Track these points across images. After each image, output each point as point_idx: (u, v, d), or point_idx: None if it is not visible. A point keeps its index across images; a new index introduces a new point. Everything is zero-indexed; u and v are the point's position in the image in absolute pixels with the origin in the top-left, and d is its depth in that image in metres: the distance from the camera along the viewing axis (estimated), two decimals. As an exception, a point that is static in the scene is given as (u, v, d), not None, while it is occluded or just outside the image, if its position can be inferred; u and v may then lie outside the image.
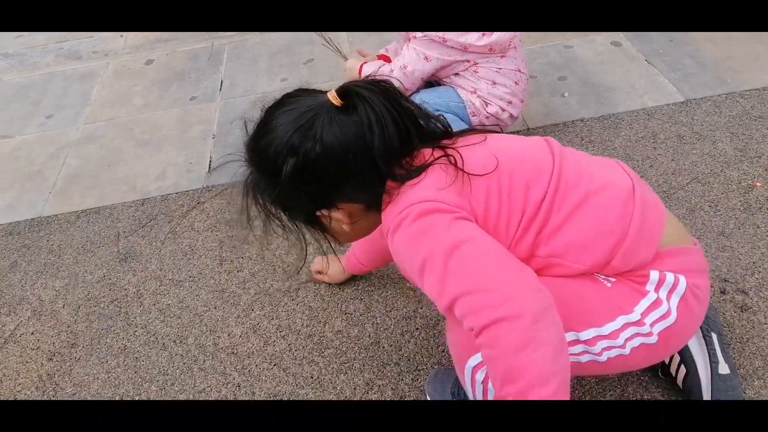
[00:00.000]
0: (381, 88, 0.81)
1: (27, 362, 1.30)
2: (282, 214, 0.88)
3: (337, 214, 0.86)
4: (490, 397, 0.86)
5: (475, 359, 0.83)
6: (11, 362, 1.30)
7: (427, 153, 0.84)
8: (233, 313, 1.33)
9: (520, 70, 1.58)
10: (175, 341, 1.28)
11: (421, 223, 0.77)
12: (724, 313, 1.17)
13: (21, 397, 1.23)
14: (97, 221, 1.66)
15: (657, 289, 0.83)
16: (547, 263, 0.83)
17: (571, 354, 0.80)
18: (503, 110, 1.59)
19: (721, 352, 0.99)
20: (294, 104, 0.82)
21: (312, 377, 1.17)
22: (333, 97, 0.79)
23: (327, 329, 1.25)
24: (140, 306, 1.38)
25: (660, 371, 1.06)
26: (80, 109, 2.18)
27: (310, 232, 0.92)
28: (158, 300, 1.38)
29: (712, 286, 1.22)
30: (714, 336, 1.01)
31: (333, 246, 0.95)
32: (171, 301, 1.37)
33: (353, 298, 1.31)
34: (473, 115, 1.58)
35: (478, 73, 1.54)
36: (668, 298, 0.83)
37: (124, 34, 2.65)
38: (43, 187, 1.82)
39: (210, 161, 1.82)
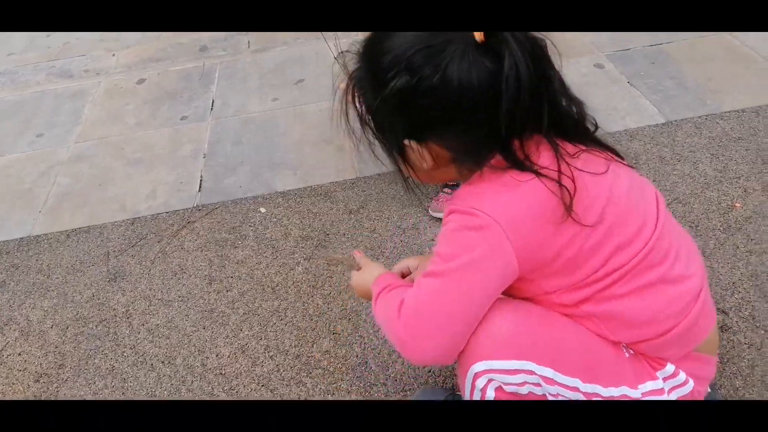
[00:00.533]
0: (534, 44, 0.72)
1: (13, 384, 1.30)
2: (371, 122, 0.81)
3: (425, 150, 0.78)
4: None
5: (479, 366, 0.81)
6: (-2, 383, 1.31)
7: (546, 152, 0.76)
8: (222, 333, 1.34)
9: None
10: (163, 362, 1.29)
11: (466, 235, 0.75)
12: (703, 333, 1.20)
13: (8, 418, 1.23)
14: (87, 240, 1.66)
15: (666, 380, 0.84)
16: (585, 317, 0.82)
17: (567, 397, 0.81)
18: None
19: None
20: (431, 33, 0.73)
21: (299, 398, 1.18)
22: (478, 36, 0.70)
23: (315, 349, 1.27)
24: (129, 326, 1.39)
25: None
26: (71, 127, 2.19)
27: (389, 154, 0.83)
28: (147, 320, 1.39)
29: (692, 306, 1.25)
30: None
31: (408, 180, 0.87)
32: (160, 321, 1.38)
33: (341, 317, 1.33)
34: None
35: None
36: (670, 392, 0.84)
37: (116, 53, 2.68)
38: (33, 206, 1.83)
39: (201, 180, 1.83)
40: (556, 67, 0.75)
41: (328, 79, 2.23)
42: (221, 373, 1.25)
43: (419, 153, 0.79)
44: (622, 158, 0.86)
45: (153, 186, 1.84)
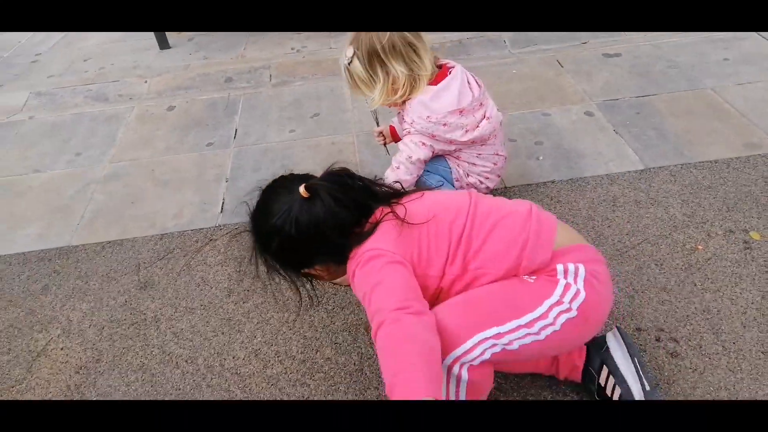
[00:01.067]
0: (335, 179, 1.13)
1: (57, 374, 1.49)
2: (278, 268, 1.18)
3: (316, 271, 1.19)
4: (462, 390, 1.08)
5: (448, 360, 1.05)
6: (43, 373, 1.50)
7: (380, 211, 1.14)
8: (238, 338, 1.53)
9: (497, 153, 1.82)
10: (186, 361, 1.48)
11: (365, 267, 1.06)
12: (656, 358, 1.38)
13: (50, 404, 1.42)
14: (120, 252, 1.87)
15: (565, 276, 1.11)
16: (477, 274, 1.12)
17: (519, 338, 1.05)
18: (481, 182, 1.83)
19: (643, 372, 1.22)
20: (281, 191, 1.12)
21: (303, 397, 1.37)
22: (302, 192, 1.08)
23: (318, 356, 1.45)
24: (157, 329, 1.58)
25: (596, 394, 1.26)
26: (106, 149, 2.42)
27: (295, 285, 1.23)
28: (173, 324, 1.59)
29: (648, 334, 1.43)
30: (636, 359, 1.23)
31: (315, 292, 1.32)
32: (184, 326, 1.58)
33: (342, 329, 1.52)
34: (456, 180, 1.80)
35: (460, 158, 1.77)
36: (575, 281, 1.10)
37: (148, 79, 2.92)
38: (72, 219, 2.04)
39: (222, 203, 2.04)
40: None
41: (341, 114, 2.46)
42: (237, 373, 1.44)
43: (316, 274, 1.20)
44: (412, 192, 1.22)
45: (180, 206, 2.05)
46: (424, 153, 1.70)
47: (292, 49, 3.10)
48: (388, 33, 1.57)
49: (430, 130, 1.66)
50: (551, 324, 1.07)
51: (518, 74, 2.67)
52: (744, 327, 1.44)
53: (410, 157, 1.71)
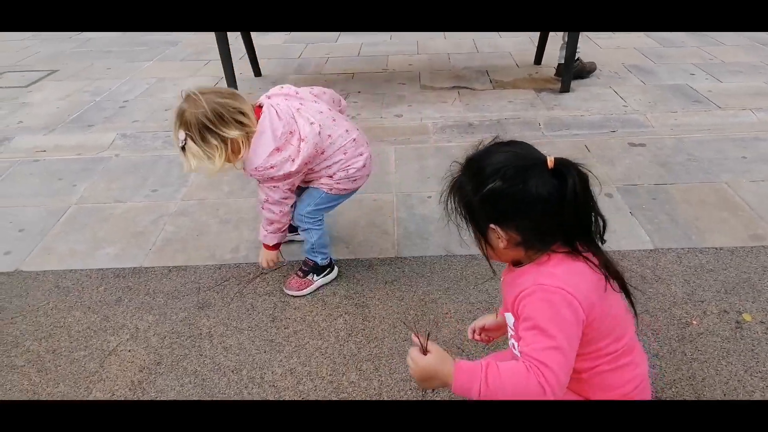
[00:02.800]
0: (584, 176, 1.07)
1: (124, 371, 1.76)
2: (465, 212, 1.14)
3: (503, 234, 1.09)
4: None
5: None
6: (112, 369, 1.77)
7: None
8: (277, 357, 1.78)
9: (351, 151, 1.90)
10: (233, 371, 1.73)
11: (562, 312, 1.02)
12: (640, 412, 1.55)
13: (117, 397, 1.68)
14: (183, 276, 2.17)
15: None
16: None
17: None
18: (349, 172, 1.92)
19: None
20: (520, 149, 1.11)
21: (328, 412, 1.59)
22: (550, 161, 1.05)
23: (344, 379, 1.68)
24: (210, 343, 1.85)
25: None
26: (179, 188, 2.78)
27: (476, 235, 1.16)
28: (224, 340, 1.85)
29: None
30: None
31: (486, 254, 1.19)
32: (233, 343, 1.84)
33: (367, 360, 1.75)
34: (338, 192, 1.95)
35: (317, 172, 1.89)
36: None
37: (219, 131, 3.31)
38: (145, 245, 2.37)
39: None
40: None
41: (384, 176, 2.75)
42: (274, 386, 1.68)
43: (498, 235, 1.10)
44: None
45: (237, 242, 2.35)
46: (278, 194, 1.84)
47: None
48: (207, 105, 1.66)
49: (266, 176, 1.79)
50: None
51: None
52: (724, 395, 1.60)
53: (267, 200, 1.86)
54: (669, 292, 2.00)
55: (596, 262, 1.10)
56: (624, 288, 1.15)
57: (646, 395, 1.24)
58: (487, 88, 3.78)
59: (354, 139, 1.92)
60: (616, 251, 2.21)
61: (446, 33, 5.16)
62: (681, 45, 4.54)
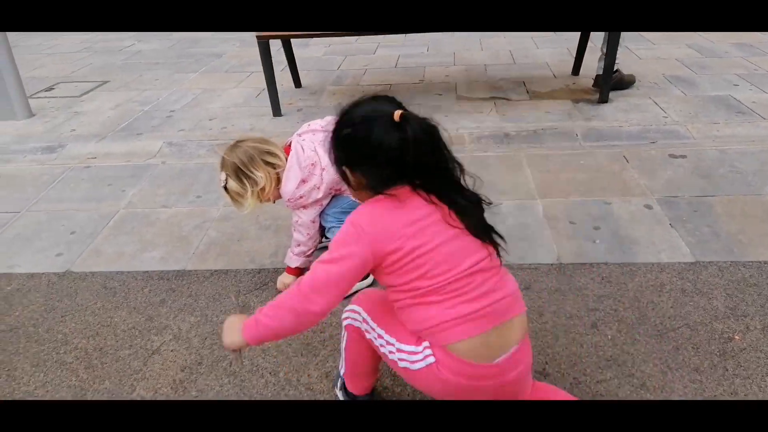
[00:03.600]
0: (428, 127, 1.20)
1: (166, 370, 1.83)
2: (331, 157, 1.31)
3: (353, 176, 1.27)
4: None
5: (349, 306, 1.43)
6: (155, 368, 1.84)
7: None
8: (313, 361, 1.82)
9: None
10: (270, 373, 1.78)
11: (347, 238, 1.24)
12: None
13: (159, 395, 1.75)
14: (224, 279, 2.24)
15: (424, 349, 1.27)
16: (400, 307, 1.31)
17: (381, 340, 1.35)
18: None
19: None
20: (377, 103, 1.24)
21: (362, 415, 1.62)
22: (396, 115, 1.17)
23: (378, 384, 1.71)
24: (249, 345, 1.90)
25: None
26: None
27: (339, 173, 1.31)
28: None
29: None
30: None
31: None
32: (271, 345, 1.89)
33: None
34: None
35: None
36: (425, 353, 1.27)
37: (260, 140, 3.40)
38: (188, 249, 2.45)
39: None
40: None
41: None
42: (310, 388, 1.72)
43: (350, 177, 1.27)
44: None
45: (276, 247, 2.41)
46: (309, 215, 2.06)
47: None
48: (243, 146, 1.93)
49: (299, 205, 2.03)
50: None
51: (585, 165, 2.92)
52: None
53: (297, 221, 2.09)
54: (710, 306, 1.97)
55: (432, 207, 1.23)
56: (478, 233, 1.26)
57: (450, 338, 1.23)
58: (524, 99, 3.78)
59: None
60: (656, 263, 2.19)
61: (483, 44, 5.18)
62: (724, 55, 4.45)
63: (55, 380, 1.82)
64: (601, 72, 3.59)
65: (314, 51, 5.26)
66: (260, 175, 1.93)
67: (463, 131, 3.33)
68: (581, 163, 2.95)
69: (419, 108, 3.69)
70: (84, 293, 2.22)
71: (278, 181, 1.99)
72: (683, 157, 2.95)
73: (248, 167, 1.92)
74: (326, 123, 2.09)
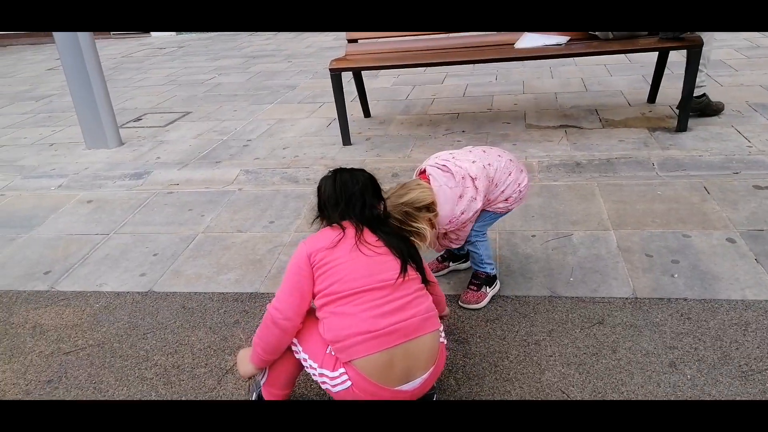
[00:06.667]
0: (344, 177, 1.67)
1: (239, 389, 1.90)
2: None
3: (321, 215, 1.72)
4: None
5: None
6: (228, 386, 1.91)
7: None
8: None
9: (514, 184, 2.09)
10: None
11: (294, 254, 1.59)
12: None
13: (231, 410, 1.81)
14: (294, 303, 2.30)
15: (341, 375, 1.49)
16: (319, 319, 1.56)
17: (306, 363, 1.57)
18: (522, 191, 2.12)
19: None
20: (342, 174, 1.69)
21: None
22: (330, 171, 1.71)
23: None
24: (317, 368, 1.94)
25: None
26: (293, 220, 2.97)
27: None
28: (330, 367, 1.94)
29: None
30: None
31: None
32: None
33: (467, 396, 1.75)
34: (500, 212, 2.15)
35: (494, 201, 2.08)
36: (340, 380, 1.49)
37: (331, 168, 3.50)
38: (261, 272, 2.55)
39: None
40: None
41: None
42: (375, 414, 1.73)
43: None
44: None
45: (344, 273, 2.46)
46: (468, 227, 2.08)
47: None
48: (397, 209, 1.87)
49: (460, 222, 2.00)
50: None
51: (662, 195, 2.82)
52: None
53: (455, 240, 2.12)
54: (802, 348, 1.84)
55: (352, 232, 1.57)
56: (400, 257, 1.55)
57: (358, 353, 1.44)
58: (596, 127, 3.70)
59: (510, 160, 2.09)
60: (739, 301, 2.07)
61: (554, 72, 5.13)
62: (817, 81, 4.20)
63: (137, 395, 1.92)
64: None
65: (384, 82, 5.38)
66: (422, 226, 1.85)
67: (532, 159, 3.30)
68: (658, 193, 2.85)
69: (487, 136, 3.72)
70: (164, 312, 2.34)
71: (432, 224, 1.92)
72: (770, 188, 2.79)
73: (407, 224, 1.84)
74: (442, 153, 2.11)
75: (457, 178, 1.96)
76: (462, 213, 1.98)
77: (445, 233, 2.10)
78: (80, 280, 2.62)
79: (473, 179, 1.98)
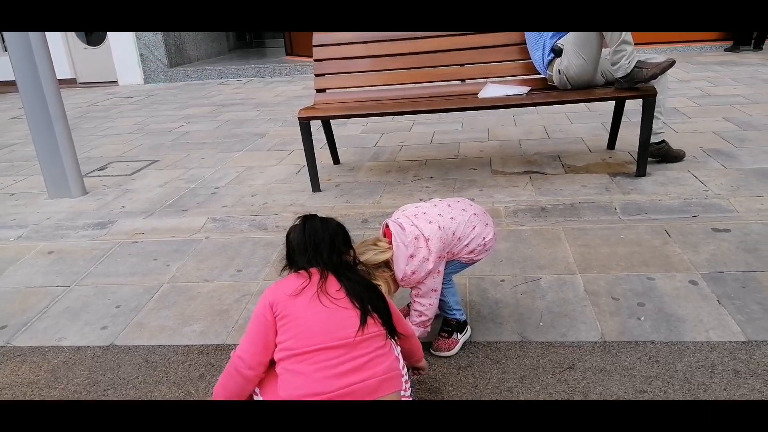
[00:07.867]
0: (309, 228, 1.67)
1: (203, 447, 1.82)
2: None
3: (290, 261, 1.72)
4: None
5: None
6: (193, 444, 1.84)
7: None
8: None
9: (473, 227, 2.09)
10: None
11: (259, 301, 1.60)
12: None
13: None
14: (262, 355, 2.25)
15: None
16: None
17: None
18: (487, 244, 2.12)
19: None
20: (313, 221, 1.70)
21: None
22: (299, 219, 1.71)
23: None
24: (286, 422, 1.88)
25: None
26: (261, 268, 2.93)
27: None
28: (299, 421, 1.88)
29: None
30: None
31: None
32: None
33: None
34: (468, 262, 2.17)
35: (458, 254, 2.10)
36: None
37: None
38: (228, 322, 2.49)
39: (349, 324, 2.39)
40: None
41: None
42: None
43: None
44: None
45: (314, 322, 2.43)
46: (427, 285, 2.05)
47: (420, 199, 3.57)
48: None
49: (414, 281, 2.02)
50: None
51: (625, 239, 2.89)
52: None
53: (417, 294, 2.09)
54: (765, 388, 1.86)
55: (316, 279, 1.57)
56: (363, 306, 1.54)
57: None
58: (560, 173, 3.81)
59: (474, 214, 2.11)
60: (705, 342, 2.11)
61: (517, 120, 5.29)
62: (762, 127, 4.42)
63: (94, 456, 1.82)
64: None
65: (353, 129, 5.46)
66: (380, 283, 1.92)
67: (499, 205, 3.35)
68: (621, 237, 2.92)
69: (454, 182, 3.78)
70: (126, 367, 2.25)
71: (393, 280, 2.01)
72: (727, 231, 2.88)
73: (373, 276, 1.93)
74: (421, 204, 2.16)
75: (410, 237, 2.00)
76: (413, 273, 1.99)
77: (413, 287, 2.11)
78: (38, 334, 2.52)
79: (426, 240, 2.00)
